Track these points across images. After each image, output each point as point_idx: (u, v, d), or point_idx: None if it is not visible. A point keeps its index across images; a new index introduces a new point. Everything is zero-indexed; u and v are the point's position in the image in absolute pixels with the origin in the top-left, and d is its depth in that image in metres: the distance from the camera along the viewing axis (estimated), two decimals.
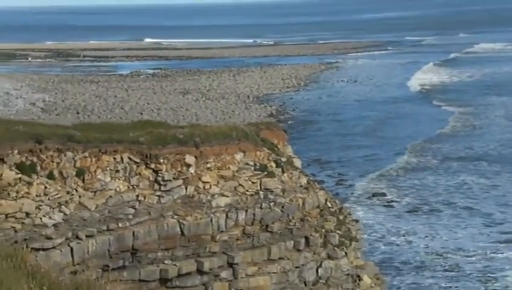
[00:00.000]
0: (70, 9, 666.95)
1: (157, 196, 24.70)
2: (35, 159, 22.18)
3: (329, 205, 29.04)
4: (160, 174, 24.83)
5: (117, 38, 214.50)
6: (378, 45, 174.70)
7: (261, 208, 26.15)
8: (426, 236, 41.68)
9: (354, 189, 51.61)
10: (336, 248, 27.58)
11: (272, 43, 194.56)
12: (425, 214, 45.92)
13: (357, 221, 31.00)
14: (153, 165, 24.78)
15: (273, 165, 27.98)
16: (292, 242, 26.35)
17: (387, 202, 48.34)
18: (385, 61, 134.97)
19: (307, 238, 26.77)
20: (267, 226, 26.22)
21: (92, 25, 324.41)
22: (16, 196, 21.27)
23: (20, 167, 21.65)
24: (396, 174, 55.74)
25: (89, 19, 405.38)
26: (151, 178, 24.82)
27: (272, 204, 26.45)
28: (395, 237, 41.57)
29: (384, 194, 49.91)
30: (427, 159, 60.30)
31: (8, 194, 21.15)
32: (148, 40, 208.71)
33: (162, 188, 24.82)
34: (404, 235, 41.81)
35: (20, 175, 21.54)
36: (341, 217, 29.01)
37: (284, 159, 28.89)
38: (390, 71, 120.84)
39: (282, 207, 26.69)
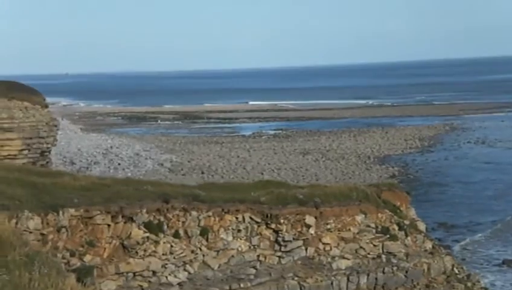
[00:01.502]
0: (190, 74, 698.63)
1: (277, 256, 24.75)
2: (162, 219, 23.00)
3: (457, 272, 27.75)
4: (280, 235, 24.92)
5: (230, 101, 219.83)
6: (504, 106, 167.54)
7: (383, 272, 25.44)
8: None
9: (482, 255, 48.94)
10: None
11: (388, 104, 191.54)
12: None
13: (486, 289, 29.32)
14: (273, 225, 24.95)
15: (396, 227, 27.30)
16: None
17: None
18: None
19: None
20: None
21: (211, 88, 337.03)
22: (144, 255, 22.04)
23: (148, 226, 22.51)
24: None
25: (208, 83, 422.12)
26: (271, 238, 24.96)
27: (394, 268, 25.68)
28: None
29: None
30: None
31: (136, 252, 21.97)
32: (251, 102, 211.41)
33: (283, 248, 24.85)
34: None
35: (148, 234, 22.37)
36: (469, 285, 27.59)
37: (407, 222, 28.12)
38: None
39: (406, 272, 25.82)
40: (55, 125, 52.91)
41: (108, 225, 21.85)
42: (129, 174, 76.43)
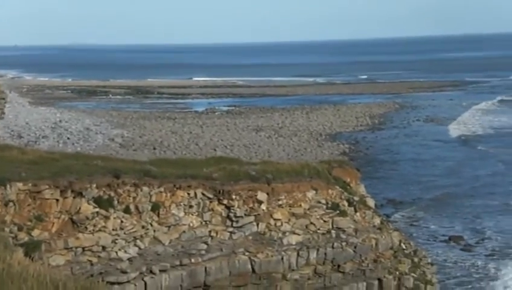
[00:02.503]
0: (139, 48, 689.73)
1: (229, 232, 24.85)
2: (112, 194, 22.77)
3: (404, 247, 28.38)
4: (232, 211, 25.01)
5: (174, 77, 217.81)
6: (452, 84, 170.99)
7: (332, 247, 25.84)
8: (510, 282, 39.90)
9: (429, 231, 50.20)
10: None
11: (338, 81, 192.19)
12: (508, 258, 44.05)
13: (432, 264, 30.09)
14: (225, 201, 25.00)
15: (346, 204, 27.70)
16: (365, 284, 25.84)
17: (464, 245, 46.71)
18: (462, 101, 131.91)
19: (380, 280, 26.19)
20: (338, 266, 25.84)
21: (160, 63, 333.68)
22: (93, 230, 21.83)
23: (98, 201, 22.26)
24: (475, 216, 53.89)
25: (157, 57, 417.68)
26: (223, 214, 25.02)
27: (344, 244, 26.10)
28: (476, 282, 40.00)
29: (461, 237, 48.28)
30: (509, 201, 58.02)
31: (86, 227, 21.74)
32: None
33: (234, 224, 24.96)
34: (483, 280, 40.20)
35: (97, 209, 22.13)
36: (416, 260, 28.26)
37: (356, 198, 28.55)
38: (467, 111, 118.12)
39: (355, 247, 26.28)
40: (3, 98, 51.51)
41: (57, 200, 21.53)
42: (79, 148, 75.25)
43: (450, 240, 47.85)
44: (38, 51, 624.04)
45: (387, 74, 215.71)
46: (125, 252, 22.17)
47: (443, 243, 47.31)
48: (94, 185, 22.26)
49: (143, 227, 23.12)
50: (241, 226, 25.01)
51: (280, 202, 26.08)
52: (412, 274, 27.34)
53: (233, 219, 24.97)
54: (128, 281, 21.34)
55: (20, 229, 20.56)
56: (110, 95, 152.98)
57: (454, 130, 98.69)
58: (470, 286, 39.51)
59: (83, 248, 21.49)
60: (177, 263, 22.82)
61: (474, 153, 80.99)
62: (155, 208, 23.67)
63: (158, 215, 23.72)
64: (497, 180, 66.54)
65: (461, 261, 43.59)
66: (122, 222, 22.58)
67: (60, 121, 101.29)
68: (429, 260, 30.05)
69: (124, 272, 21.47)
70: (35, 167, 22.23)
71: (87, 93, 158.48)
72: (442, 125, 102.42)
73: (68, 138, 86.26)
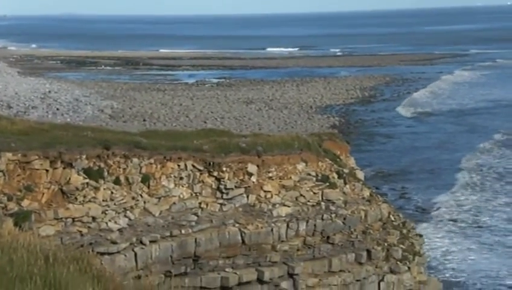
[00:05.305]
0: (135, 19, 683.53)
1: (219, 203, 24.94)
2: (102, 165, 22.72)
3: (393, 219, 28.62)
4: (222, 182, 25.06)
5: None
6: (441, 57, 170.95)
7: (322, 219, 26.01)
8: (487, 252, 40.42)
9: (417, 203, 50.61)
10: (398, 262, 27.13)
11: (330, 54, 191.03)
12: (489, 230, 44.58)
13: (420, 236, 30.39)
14: (215, 173, 25.04)
15: (335, 176, 27.82)
16: (354, 255, 26.07)
17: (452, 217, 47.18)
18: (451, 74, 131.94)
19: (368, 251, 26.43)
20: (328, 237, 26.04)
21: (151, 34, 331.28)
22: (83, 201, 21.82)
23: (88, 172, 22.22)
24: (465, 189, 54.30)
25: (151, 28, 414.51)
26: (213, 186, 25.08)
27: (333, 215, 26.27)
28: (460, 253, 40.49)
29: (449, 208, 48.74)
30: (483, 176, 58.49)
31: (76, 198, 21.72)
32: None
33: (224, 196, 25.03)
34: (469, 251, 40.71)
35: (87, 180, 22.10)
36: (404, 231, 28.53)
37: (346, 171, 28.69)
38: (457, 85, 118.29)
39: (344, 219, 26.47)
40: None
41: (47, 170, 21.47)
42: (68, 119, 74.91)
43: (437, 211, 48.26)
44: (27, 20, 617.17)
45: (376, 46, 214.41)
46: (116, 223, 22.21)
47: (431, 215, 47.75)
48: (84, 156, 22.20)
49: (133, 198, 23.14)
50: (231, 198, 25.10)
51: (270, 174, 26.15)
52: (401, 245, 27.60)
53: (224, 190, 25.04)
54: (118, 252, 21.42)
55: (9, 199, 20.53)
56: (103, 66, 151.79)
57: (445, 101, 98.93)
58: (457, 257, 39.99)
59: (73, 219, 21.50)
60: (167, 234, 22.91)
61: (465, 125, 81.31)
62: (145, 179, 23.68)
63: (148, 186, 23.75)
64: (491, 153, 66.90)
65: (449, 232, 44.06)
66: (112, 193, 22.58)
67: (50, 91, 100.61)
68: (417, 232, 30.34)
69: (114, 242, 21.55)
70: (24, 138, 22.12)
71: (76, 64, 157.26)
72: (432, 98, 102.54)
73: (57, 109, 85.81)
